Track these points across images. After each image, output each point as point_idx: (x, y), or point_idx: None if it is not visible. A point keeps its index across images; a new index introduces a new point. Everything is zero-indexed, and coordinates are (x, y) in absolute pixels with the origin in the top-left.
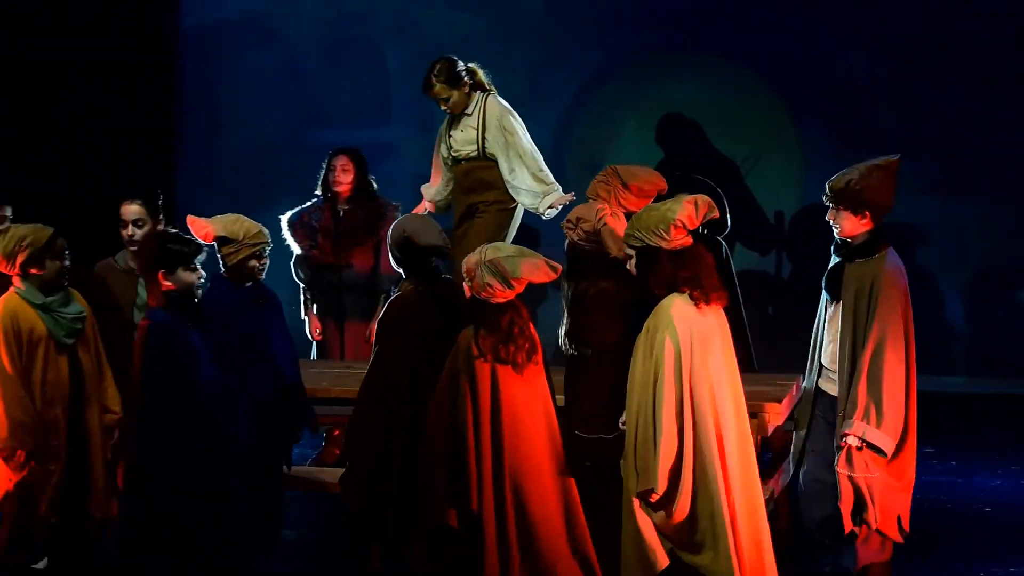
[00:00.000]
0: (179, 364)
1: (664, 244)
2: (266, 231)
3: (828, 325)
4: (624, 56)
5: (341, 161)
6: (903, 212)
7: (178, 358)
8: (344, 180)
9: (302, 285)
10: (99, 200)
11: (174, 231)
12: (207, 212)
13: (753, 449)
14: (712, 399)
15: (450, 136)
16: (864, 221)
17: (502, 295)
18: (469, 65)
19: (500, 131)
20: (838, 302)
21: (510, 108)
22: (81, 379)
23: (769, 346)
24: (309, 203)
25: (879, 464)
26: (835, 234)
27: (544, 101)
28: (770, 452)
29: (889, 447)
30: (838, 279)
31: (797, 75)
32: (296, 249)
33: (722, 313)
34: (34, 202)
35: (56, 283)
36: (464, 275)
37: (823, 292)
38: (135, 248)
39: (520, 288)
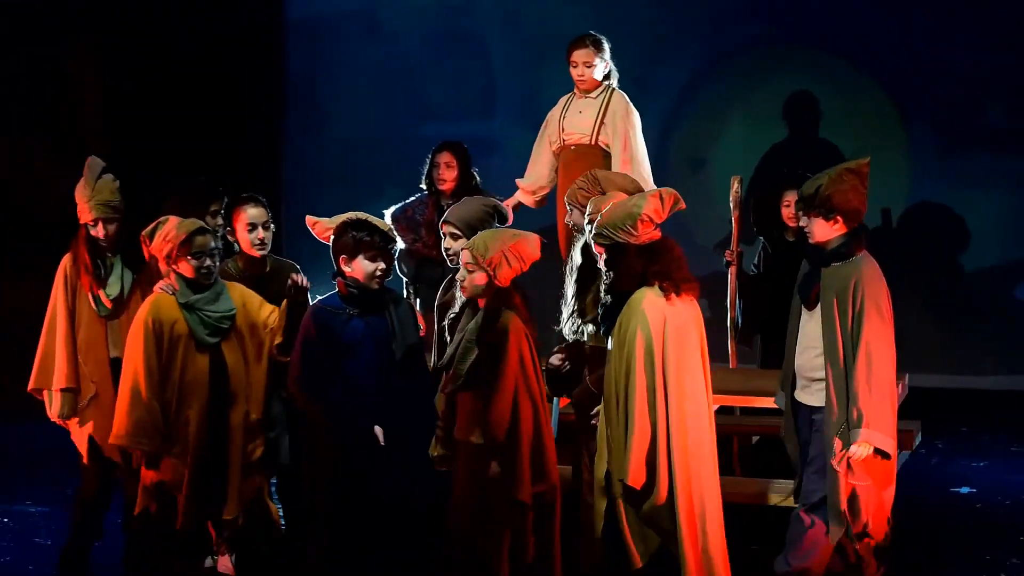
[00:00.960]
0: (330, 351)
1: (632, 240)
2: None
3: (802, 332)
4: (732, 51)
5: (445, 156)
6: (1013, 209)
7: (330, 345)
8: (448, 176)
9: (404, 279)
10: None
11: (364, 219)
12: (311, 204)
13: (714, 439)
14: (684, 388)
15: (564, 117)
16: (836, 226)
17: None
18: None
19: (622, 122)
20: (813, 309)
21: (634, 108)
22: (225, 378)
23: None
24: (413, 197)
25: (877, 467)
26: (809, 240)
27: (650, 96)
28: None
29: (893, 448)
30: (813, 286)
31: (906, 71)
32: (399, 243)
33: (696, 304)
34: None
35: (202, 280)
36: (485, 265)
37: (795, 300)
38: (264, 251)
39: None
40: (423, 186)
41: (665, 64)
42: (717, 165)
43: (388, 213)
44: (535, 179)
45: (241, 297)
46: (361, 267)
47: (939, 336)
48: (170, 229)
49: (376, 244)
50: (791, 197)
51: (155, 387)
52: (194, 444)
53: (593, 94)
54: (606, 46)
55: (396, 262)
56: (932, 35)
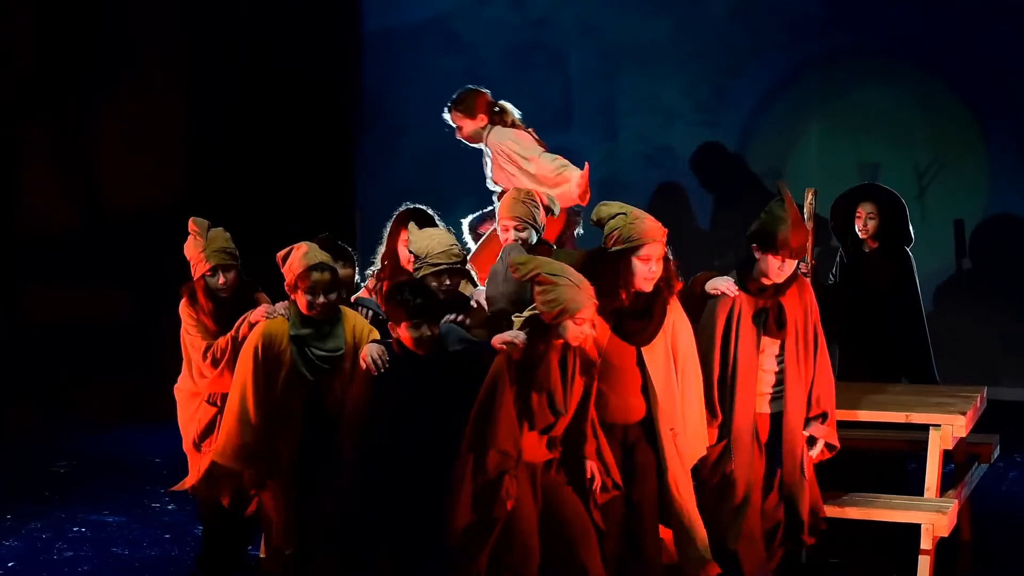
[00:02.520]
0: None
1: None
2: (456, 249)
3: (763, 357)
4: (809, 62)
5: None
6: None
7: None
8: None
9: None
10: (281, 203)
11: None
12: (387, 216)
13: None
14: None
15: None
16: (788, 260)
17: None
18: (500, 102)
19: (503, 158)
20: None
21: (504, 129)
22: (323, 412)
23: (951, 357)
24: (490, 207)
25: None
26: (764, 279)
27: (727, 107)
28: (952, 464)
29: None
30: (780, 316)
31: (984, 80)
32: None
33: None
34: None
35: (314, 316)
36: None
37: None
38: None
39: None
40: (496, 198)
41: (743, 76)
42: (793, 176)
43: (465, 222)
44: None
45: (354, 330)
46: (406, 334)
47: (1018, 349)
48: (296, 259)
49: (418, 309)
50: (864, 209)
51: (263, 411)
52: (286, 470)
53: (481, 145)
54: (475, 101)
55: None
56: (1011, 44)
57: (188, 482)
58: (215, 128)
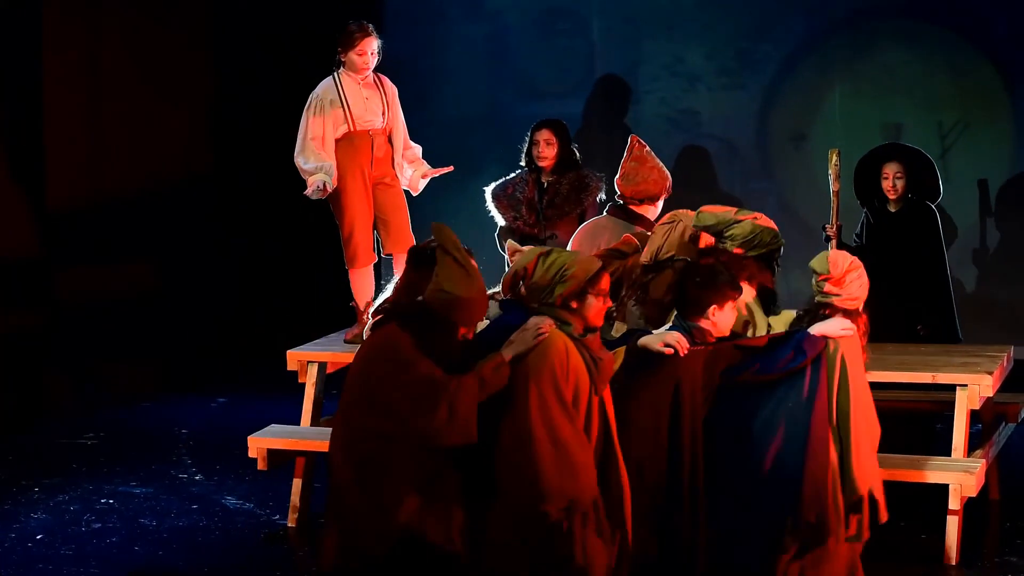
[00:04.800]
0: None
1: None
2: None
3: None
4: (832, 24)
5: (544, 134)
6: None
7: None
8: (548, 153)
9: (506, 256)
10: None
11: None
12: None
13: None
14: None
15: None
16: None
17: None
18: None
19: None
20: None
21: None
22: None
23: (975, 317)
24: (513, 175)
25: None
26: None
27: (750, 71)
28: (980, 424)
29: None
30: None
31: (1011, 40)
32: (500, 221)
33: None
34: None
35: (596, 324)
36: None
37: None
38: None
39: None
40: (523, 164)
41: (767, 39)
42: (818, 139)
43: (488, 191)
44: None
45: None
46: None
47: None
48: (570, 264)
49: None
50: (890, 169)
51: None
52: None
53: (370, 79)
54: None
55: (497, 239)
56: None
57: None
58: (239, 98)
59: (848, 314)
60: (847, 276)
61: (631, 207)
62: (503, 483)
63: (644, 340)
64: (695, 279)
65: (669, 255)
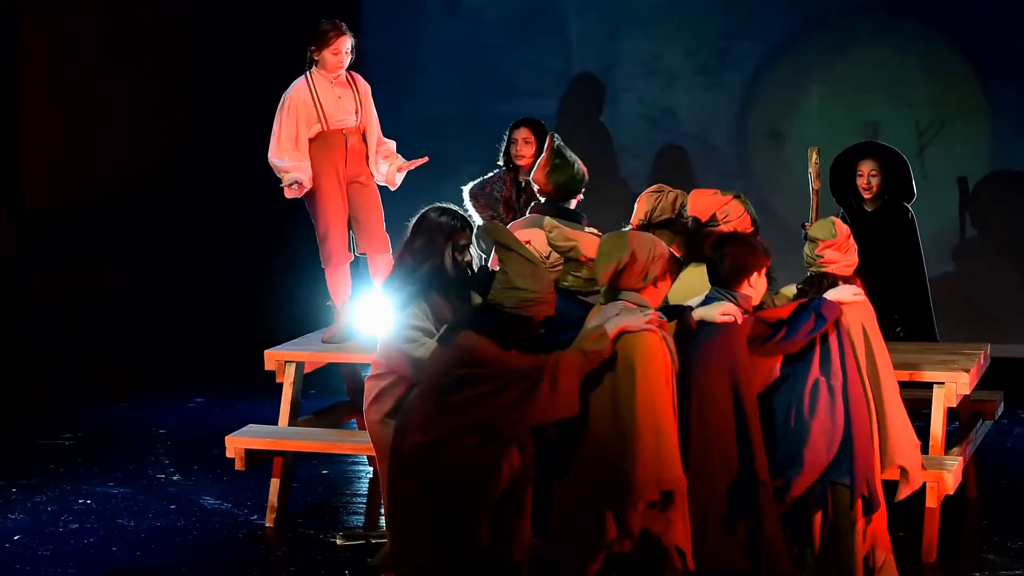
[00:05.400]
0: None
1: None
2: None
3: None
4: (809, 23)
5: (522, 132)
6: None
7: None
8: (526, 152)
9: (483, 255)
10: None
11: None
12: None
13: None
14: None
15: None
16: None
17: None
18: None
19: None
20: None
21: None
22: None
23: (952, 315)
24: (491, 174)
25: None
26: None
27: (729, 69)
28: (957, 421)
29: None
30: None
31: (986, 36)
32: (478, 220)
33: None
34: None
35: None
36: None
37: None
38: None
39: None
40: (500, 163)
41: (745, 37)
42: (795, 137)
43: (466, 190)
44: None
45: None
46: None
47: (1021, 305)
48: (652, 247)
49: None
50: (865, 167)
51: None
52: None
53: (343, 78)
54: None
55: (475, 239)
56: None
57: None
58: (214, 100)
59: (848, 280)
60: (849, 240)
61: (560, 203)
62: (589, 471)
63: (700, 313)
64: (735, 247)
65: (663, 218)
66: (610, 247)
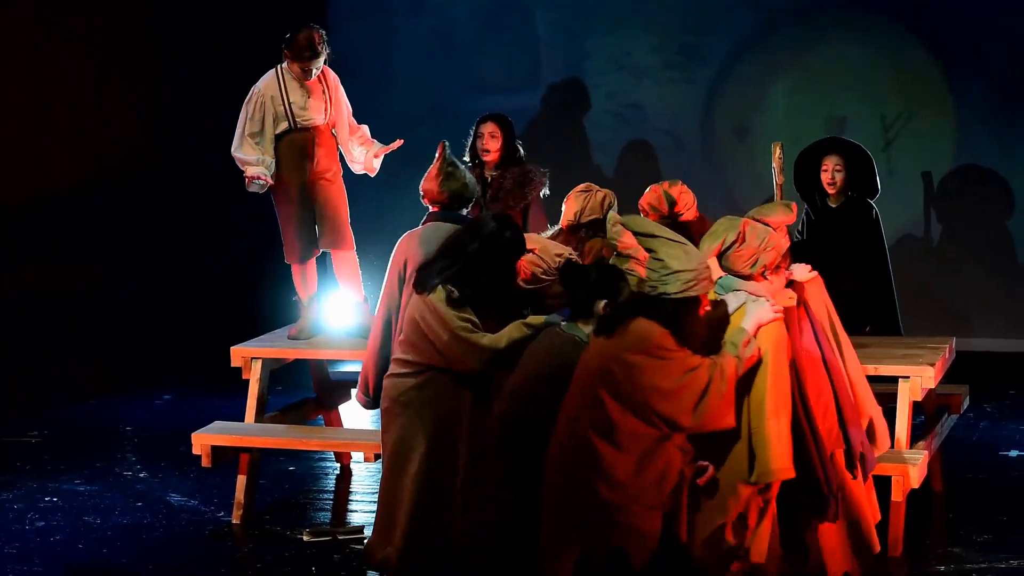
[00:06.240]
0: None
1: None
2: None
3: None
4: (776, 17)
5: (489, 127)
6: None
7: None
8: (492, 147)
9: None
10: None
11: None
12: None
13: None
14: None
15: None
16: None
17: None
18: None
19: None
20: None
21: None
22: None
23: (916, 309)
24: None
25: None
26: None
27: (696, 63)
28: (923, 415)
29: None
30: None
31: (952, 31)
32: None
33: None
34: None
35: None
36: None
37: None
38: None
39: None
40: (467, 158)
41: (712, 33)
42: (761, 132)
43: None
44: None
45: None
46: None
47: (986, 300)
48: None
49: None
50: (829, 162)
51: None
52: None
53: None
54: None
55: None
56: None
57: None
58: (180, 91)
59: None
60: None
61: (455, 211)
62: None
63: (752, 321)
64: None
65: (591, 218)
66: (724, 227)
